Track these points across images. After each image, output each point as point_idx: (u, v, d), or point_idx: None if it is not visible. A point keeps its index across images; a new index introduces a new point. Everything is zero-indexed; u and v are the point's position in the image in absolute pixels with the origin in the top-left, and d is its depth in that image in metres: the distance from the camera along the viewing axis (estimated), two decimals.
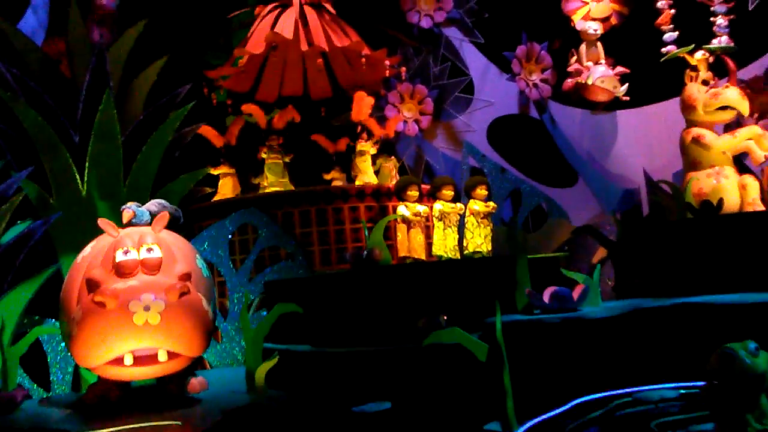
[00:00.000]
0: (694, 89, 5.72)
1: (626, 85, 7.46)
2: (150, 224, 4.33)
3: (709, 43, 6.31)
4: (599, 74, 7.42)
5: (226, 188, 6.67)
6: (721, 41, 6.46)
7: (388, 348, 4.11)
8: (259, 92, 7.44)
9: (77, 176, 5.69)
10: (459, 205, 5.26)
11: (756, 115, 6.42)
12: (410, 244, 5.16)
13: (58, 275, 5.22)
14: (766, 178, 5.63)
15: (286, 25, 6.82)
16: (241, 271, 5.80)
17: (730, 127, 6.09)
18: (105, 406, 4.04)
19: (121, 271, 3.99)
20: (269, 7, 7.12)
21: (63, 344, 5.07)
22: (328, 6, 7.12)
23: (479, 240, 5.20)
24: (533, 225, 7.10)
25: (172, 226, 4.36)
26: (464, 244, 5.23)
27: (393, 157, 7.04)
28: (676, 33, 6.64)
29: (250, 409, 3.87)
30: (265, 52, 6.92)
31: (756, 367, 2.64)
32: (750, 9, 7.07)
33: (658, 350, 3.85)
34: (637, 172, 7.25)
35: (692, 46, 6.06)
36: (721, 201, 4.89)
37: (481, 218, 5.22)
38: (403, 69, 7.43)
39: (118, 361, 3.84)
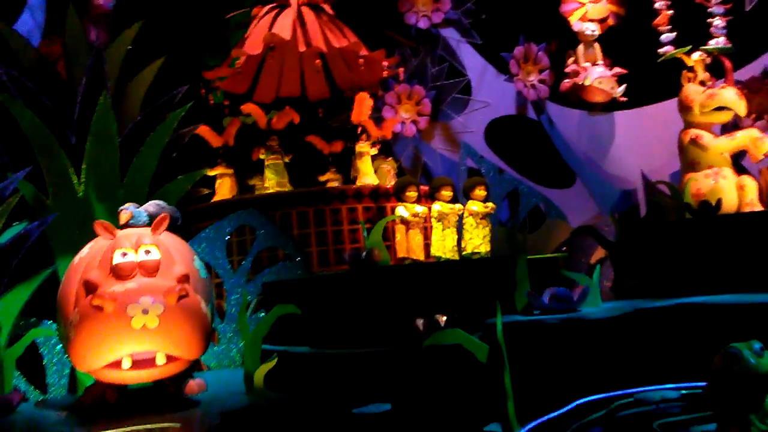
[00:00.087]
0: (691, 90, 5.73)
1: (624, 86, 7.47)
2: (148, 225, 4.32)
3: (706, 44, 6.33)
4: (597, 75, 7.43)
5: (224, 189, 6.65)
6: (719, 42, 6.48)
7: (388, 349, 4.10)
8: (256, 93, 7.42)
9: (74, 177, 5.65)
10: (458, 205, 5.25)
11: (753, 116, 6.44)
12: (409, 245, 5.15)
13: (54, 277, 5.20)
14: (764, 179, 5.65)
15: (284, 26, 6.81)
16: (238, 273, 5.78)
17: (726, 127, 6.11)
18: (102, 409, 4.02)
19: (118, 273, 3.97)
20: (267, 8, 7.10)
21: (59, 346, 5.04)
22: (326, 7, 7.11)
23: (478, 241, 5.19)
24: (531, 226, 7.09)
25: (170, 227, 4.34)
26: (463, 245, 5.22)
27: (390, 158, 7.03)
28: (674, 34, 6.65)
29: (249, 411, 3.85)
30: (263, 53, 6.91)
31: (760, 367, 2.63)
32: (747, 10, 7.08)
33: (658, 351, 3.85)
34: (635, 173, 7.26)
35: (689, 47, 6.07)
36: (719, 201, 4.90)
37: (480, 219, 5.21)
38: (401, 70, 7.42)
39: (116, 364, 3.81)
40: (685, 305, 3.90)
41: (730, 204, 5.38)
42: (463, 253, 5.21)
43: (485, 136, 7.70)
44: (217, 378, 4.82)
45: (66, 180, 5.63)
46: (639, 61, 7.29)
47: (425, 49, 7.81)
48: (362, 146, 6.50)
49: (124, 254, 4.03)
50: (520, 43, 7.74)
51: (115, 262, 4.00)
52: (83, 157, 5.66)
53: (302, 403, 4.05)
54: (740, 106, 5.62)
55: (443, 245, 5.14)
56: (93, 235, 4.34)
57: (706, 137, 5.63)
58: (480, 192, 5.23)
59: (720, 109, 5.61)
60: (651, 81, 7.22)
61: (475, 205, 5.23)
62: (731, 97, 5.58)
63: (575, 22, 7.65)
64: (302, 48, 6.80)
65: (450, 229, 5.17)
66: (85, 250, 4.28)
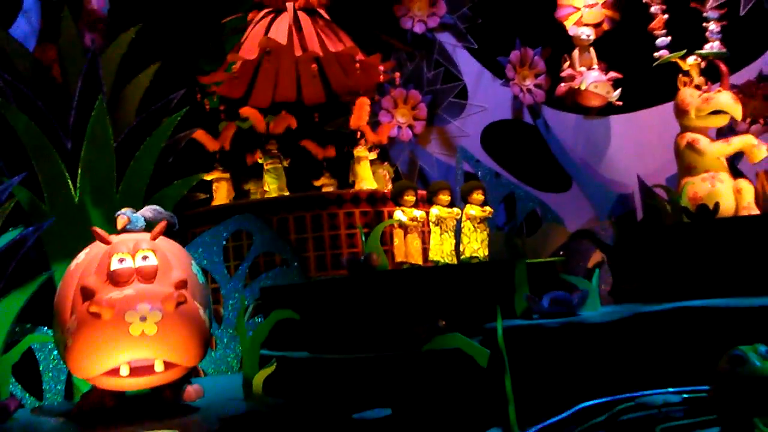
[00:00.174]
0: (687, 94, 5.75)
1: (619, 90, 7.49)
2: (145, 230, 4.29)
3: (701, 48, 6.35)
4: (592, 79, 7.45)
5: (221, 193, 6.63)
6: (713, 47, 6.52)
7: (387, 354, 4.08)
8: (252, 98, 7.41)
9: (70, 182, 5.64)
10: (455, 210, 5.25)
11: (748, 120, 6.47)
12: (407, 250, 5.14)
13: (50, 282, 5.17)
14: (760, 183, 5.67)
15: (280, 31, 6.80)
16: (235, 278, 5.77)
17: (722, 131, 6.13)
18: (100, 415, 3.99)
19: (116, 279, 3.94)
20: (263, 12, 7.10)
21: (56, 352, 5.01)
22: (322, 11, 7.11)
23: (476, 245, 5.19)
24: (527, 230, 7.10)
25: (167, 232, 4.32)
26: (461, 249, 5.22)
27: (386, 163, 7.03)
28: (669, 38, 6.68)
29: (248, 417, 3.83)
30: (259, 57, 6.90)
31: (766, 370, 2.62)
32: (741, 14, 7.12)
33: (658, 354, 3.84)
34: (631, 177, 7.27)
35: (684, 51, 6.09)
36: (717, 205, 4.91)
37: (478, 223, 5.21)
38: (397, 74, 7.42)
39: (114, 371, 3.79)
40: (684, 309, 3.90)
41: (727, 208, 5.39)
42: (461, 257, 5.21)
43: (481, 140, 7.71)
44: (215, 384, 4.79)
45: (62, 185, 5.61)
46: (634, 65, 7.31)
47: (421, 54, 7.81)
48: (361, 151, 6.50)
49: (122, 260, 4.00)
50: (516, 47, 7.75)
51: (112, 268, 3.98)
52: (79, 162, 5.65)
53: (301, 408, 4.03)
54: (736, 110, 5.64)
55: (441, 249, 5.13)
56: (89, 241, 4.32)
57: (703, 141, 5.64)
58: (478, 196, 5.23)
59: (716, 113, 5.62)
60: (646, 85, 7.25)
61: (473, 209, 5.23)
62: (727, 101, 5.59)
63: (570, 27, 7.67)
64: (298, 52, 6.79)
65: (448, 233, 5.16)
66: (81, 256, 4.26)
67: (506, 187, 7.14)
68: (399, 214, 5.20)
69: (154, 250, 4.10)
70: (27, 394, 5.15)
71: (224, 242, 5.88)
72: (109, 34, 6.45)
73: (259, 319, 5.31)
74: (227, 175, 6.70)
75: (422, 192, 5.85)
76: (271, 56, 7.02)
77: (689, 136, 5.71)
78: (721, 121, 5.74)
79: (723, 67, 5.87)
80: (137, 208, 4.48)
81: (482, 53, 7.84)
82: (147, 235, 4.22)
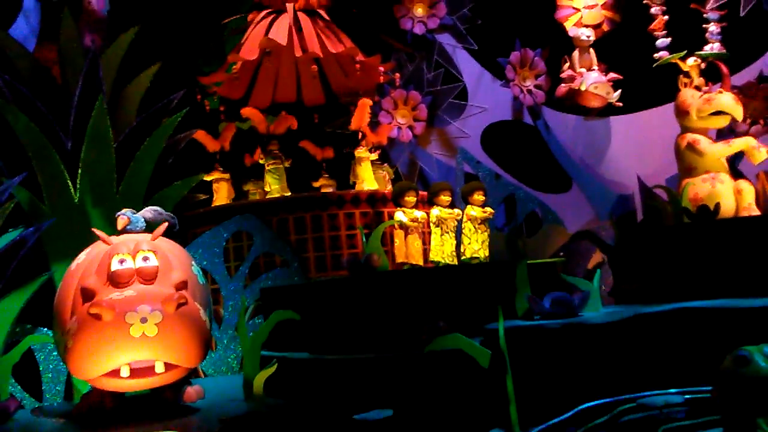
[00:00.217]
0: (688, 95, 5.75)
1: (619, 91, 7.49)
2: (145, 231, 4.29)
3: (701, 49, 6.35)
4: (592, 80, 7.44)
5: (221, 194, 6.62)
6: (713, 48, 6.51)
7: (388, 355, 4.08)
8: (252, 99, 7.40)
9: (69, 183, 5.64)
10: (456, 210, 5.24)
11: (748, 121, 6.46)
12: (408, 250, 5.13)
13: (50, 283, 5.17)
14: (761, 184, 5.67)
15: (280, 31, 6.79)
16: (236, 278, 5.76)
17: (722, 132, 6.13)
18: (100, 416, 3.99)
19: (116, 280, 3.94)
20: (263, 13, 7.09)
21: (55, 353, 5.00)
22: (322, 12, 7.10)
23: (476, 246, 5.18)
24: (527, 231, 7.10)
25: (167, 233, 4.32)
26: (461, 250, 5.21)
27: (386, 165, 7.02)
28: (669, 39, 6.67)
29: (249, 418, 3.82)
30: (259, 58, 6.89)
31: None
32: (741, 15, 7.12)
33: (660, 355, 3.84)
34: (631, 178, 7.27)
35: (684, 52, 6.09)
36: (717, 206, 4.91)
37: (479, 224, 5.21)
38: (397, 75, 7.41)
39: (115, 373, 3.78)
40: (685, 309, 3.90)
41: (727, 208, 5.39)
42: (462, 258, 5.20)
43: (481, 141, 7.71)
44: (215, 384, 4.79)
45: (62, 185, 5.61)
46: (634, 66, 7.31)
47: (421, 55, 7.81)
48: (362, 152, 6.49)
49: (122, 261, 4.00)
50: (516, 48, 7.75)
51: (113, 268, 3.97)
52: (79, 163, 5.64)
53: (302, 409, 4.02)
54: (738, 111, 5.64)
55: (442, 250, 5.13)
56: (89, 241, 4.31)
57: (703, 142, 5.64)
58: (479, 197, 5.22)
59: (717, 113, 5.62)
60: (646, 86, 7.25)
61: (473, 210, 5.22)
62: (728, 102, 5.59)
63: (570, 28, 7.66)
64: (298, 53, 6.78)
65: (449, 234, 5.15)
66: (82, 256, 4.25)
67: (506, 188, 7.13)
68: (400, 215, 5.19)
69: (155, 251, 4.10)
70: (27, 395, 5.13)
71: (224, 243, 5.87)
72: (109, 35, 6.45)
73: (259, 320, 5.31)
74: (227, 176, 6.69)
75: (423, 193, 5.84)
76: (271, 57, 7.02)
77: (690, 136, 5.71)
78: (722, 122, 5.75)
79: (724, 69, 5.87)
80: (137, 208, 4.47)
81: (482, 54, 7.83)
82: (147, 236, 4.22)
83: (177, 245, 4.43)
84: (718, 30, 6.56)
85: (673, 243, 4.66)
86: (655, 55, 6.72)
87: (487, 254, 5.19)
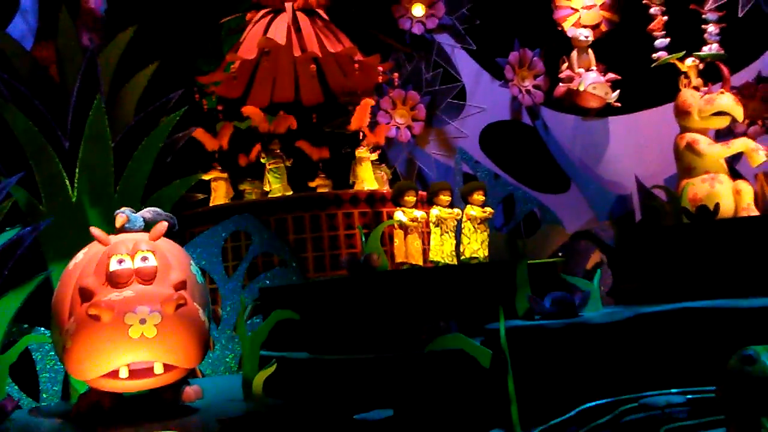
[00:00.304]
0: (689, 95, 5.75)
1: (617, 91, 7.49)
2: (144, 230, 4.26)
3: (699, 50, 6.36)
4: (591, 81, 7.45)
5: (219, 193, 6.60)
6: (712, 48, 6.52)
7: (388, 355, 4.06)
8: (250, 98, 7.38)
9: (67, 182, 5.61)
10: (456, 210, 5.23)
11: (747, 121, 6.47)
12: (407, 250, 5.12)
13: (47, 282, 5.14)
14: (759, 184, 5.67)
15: (279, 31, 6.78)
16: (234, 278, 5.74)
17: (720, 132, 6.14)
18: (98, 416, 3.97)
19: (115, 280, 3.92)
20: (261, 12, 7.07)
21: (53, 353, 4.98)
22: (321, 12, 7.09)
23: (476, 245, 5.18)
24: (526, 231, 7.09)
25: (166, 233, 4.30)
26: (461, 250, 5.20)
27: (384, 165, 7.01)
28: (668, 40, 6.68)
29: (248, 418, 3.81)
30: (257, 57, 6.88)
31: None
32: (740, 15, 7.13)
33: (661, 355, 3.83)
34: (629, 178, 7.27)
35: (683, 52, 6.09)
36: (717, 206, 4.91)
37: (478, 224, 5.20)
38: (396, 75, 7.40)
39: (114, 374, 3.76)
40: (685, 310, 3.89)
41: (726, 209, 5.40)
42: (461, 257, 5.19)
43: (480, 141, 7.70)
44: (213, 384, 4.77)
45: (59, 185, 5.59)
46: (632, 66, 7.31)
47: (419, 55, 7.79)
48: (363, 152, 6.48)
49: (121, 261, 3.98)
50: (515, 48, 7.75)
51: (111, 269, 3.95)
52: (77, 162, 5.62)
53: (302, 409, 4.01)
54: (739, 112, 5.66)
55: (441, 250, 5.12)
56: (87, 241, 4.29)
57: (702, 143, 5.65)
58: (478, 197, 5.22)
59: (718, 114, 5.63)
60: (645, 86, 7.25)
61: (473, 210, 5.21)
62: (729, 103, 5.61)
63: (569, 28, 7.66)
64: (297, 53, 6.77)
65: (448, 234, 5.15)
66: (80, 256, 4.23)
67: (505, 188, 7.13)
68: (399, 215, 5.19)
69: (154, 251, 4.07)
70: (24, 395, 5.11)
71: (222, 242, 5.85)
72: (106, 34, 6.43)
73: (258, 320, 5.29)
74: (225, 175, 6.67)
75: (422, 193, 5.83)
76: (269, 56, 7.00)
77: (689, 137, 5.72)
78: (723, 123, 5.76)
79: (724, 69, 5.88)
80: (135, 208, 4.46)
81: (481, 54, 7.82)
82: (146, 236, 4.20)
83: (176, 245, 4.41)
84: (717, 31, 6.57)
85: (672, 243, 4.66)
86: (654, 55, 6.73)
87: (486, 254, 5.19)
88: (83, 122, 5.62)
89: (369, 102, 6.66)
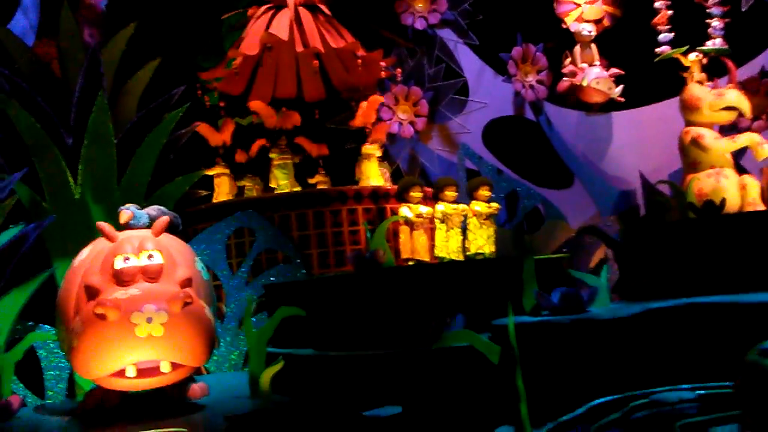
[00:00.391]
0: (697, 89, 5.73)
1: (621, 86, 7.47)
2: (148, 227, 4.24)
3: (703, 44, 6.34)
4: (594, 76, 7.43)
5: (223, 189, 6.58)
6: (715, 43, 6.49)
7: (396, 351, 4.05)
8: (252, 94, 7.36)
9: (70, 179, 5.59)
10: (462, 206, 5.21)
11: (751, 116, 6.45)
12: (413, 246, 5.10)
13: (51, 280, 5.12)
14: (765, 179, 5.66)
15: (281, 26, 6.75)
16: (238, 275, 5.72)
17: (724, 127, 6.12)
18: (104, 414, 3.95)
19: (120, 278, 3.89)
20: (263, 8, 7.04)
21: (58, 350, 4.96)
22: (323, 7, 7.06)
23: (481, 241, 5.15)
24: (529, 227, 7.08)
25: (171, 232, 4.28)
26: (466, 246, 5.18)
27: (385, 162, 6.99)
28: (672, 34, 6.66)
29: (255, 415, 3.79)
30: (260, 53, 6.85)
31: None
32: (743, 10, 7.11)
33: (671, 351, 3.83)
34: (633, 173, 7.24)
35: (686, 47, 6.08)
36: (723, 201, 4.90)
37: (484, 219, 5.18)
38: (399, 70, 7.38)
39: (121, 373, 3.75)
40: (695, 305, 3.88)
41: (732, 204, 5.39)
42: (467, 253, 5.17)
43: (483, 137, 7.68)
44: (219, 381, 4.75)
45: (62, 182, 5.56)
46: (636, 61, 7.29)
47: (422, 50, 7.77)
48: (369, 148, 6.45)
49: (126, 258, 3.96)
50: (518, 43, 7.72)
51: (117, 266, 3.93)
52: (80, 159, 5.59)
53: (310, 406, 3.99)
54: (747, 107, 5.65)
55: (447, 246, 5.10)
56: (90, 238, 4.27)
57: (708, 137, 5.64)
58: (484, 192, 5.20)
59: (727, 108, 5.62)
60: (648, 81, 7.23)
61: (479, 206, 5.19)
62: (738, 98, 5.61)
63: (572, 23, 7.64)
64: (299, 48, 6.74)
65: (454, 229, 5.13)
66: (85, 253, 4.20)
67: (508, 183, 7.11)
68: (405, 211, 5.16)
69: (159, 248, 4.05)
70: (29, 393, 5.09)
71: (226, 239, 5.83)
72: (107, 29, 6.39)
73: (262, 317, 5.28)
74: (229, 171, 6.65)
75: (428, 189, 5.81)
76: (271, 52, 6.97)
77: (694, 131, 5.71)
78: (731, 117, 5.75)
79: (730, 64, 5.86)
80: (139, 205, 4.43)
81: (483, 49, 7.80)
82: (151, 233, 4.17)
83: (181, 241, 4.39)
84: (722, 25, 6.54)
85: (679, 238, 4.66)
86: (657, 50, 6.71)
87: (492, 250, 5.17)
88: (86, 119, 5.59)
89: (378, 99, 6.63)
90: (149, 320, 3.71)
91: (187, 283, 4.01)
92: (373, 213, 6.17)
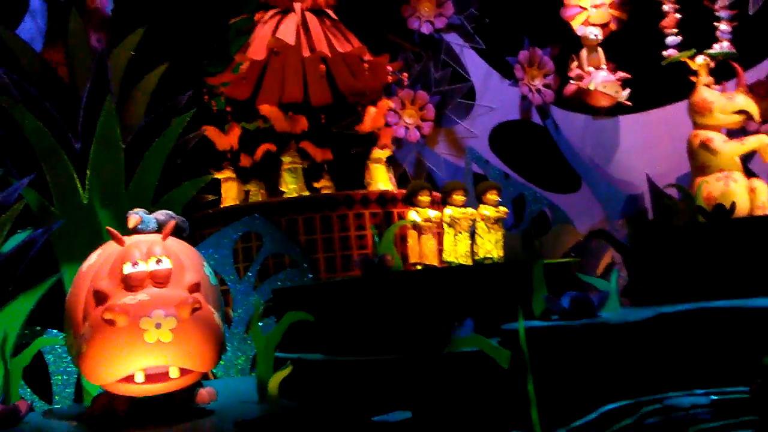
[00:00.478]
0: (707, 92, 5.72)
1: (628, 90, 7.46)
2: (157, 232, 4.24)
3: (709, 47, 6.33)
4: (601, 79, 7.43)
5: (230, 194, 6.58)
6: (723, 47, 6.49)
7: (406, 356, 4.03)
8: (258, 99, 7.35)
9: (78, 184, 5.60)
10: (470, 210, 5.18)
11: (760, 120, 6.43)
12: (421, 251, 5.08)
13: (59, 284, 5.13)
14: None
15: (288, 31, 6.75)
16: (245, 280, 5.72)
17: (731, 131, 6.10)
18: (112, 419, 3.94)
19: (129, 283, 3.89)
20: (270, 12, 7.04)
21: (66, 355, 4.96)
22: (330, 12, 7.06)
23: (489, 246, 5.13)
24: (536, 231, 7.06)
25: (178, 237, 4.27)
26: (474, 250, 5.16)
27: (390, 166, 6.98)
28: (680, 38, 6.65)
29: (265, 420, 3.78)
30: (267, 58, 6.85)
31: None
32: (750, 13, 7.10)
33: (684, 356, 3.79)
34: (641, 177, 7.24)
35: (693, 51, 6.07)
36: (733, 205, 4.88)
37: (492, 223, 5.15)
38: (405, 75, 7.37)
39: (129, 378, 3.74)
40: (706, 310, 3.85)
41: (741, 207, 5.37)
42: (475, 258, 5.15)
43: (490, 141, 7.67)
44: (226, 386, 4.74)
45: (70, 186, 5.58)
46: (642, 64, 7.29)
47: (428, 54, 7.77)
48: (381, 153, 6.45)
49: (135, 263, 3.94)
50: (524, 47, 7.72)
51: (125, 271, 3.92)
52: (87, 163, 5.61)
53: (319, 411, 3.98)
54: (756, 111, 5.64)
55: (455, 250, 5.08)
56: (98, 242, 4.26)
57: (717, 140, 5.63)
58: (492, 196, 5.18)
59: (738, 112, 5.61)
60: (655, 85, 7.22)
61: (486, 210, 5.17)
62: (748, 101, 5.60)
63: (578, 27, 7.64)
64: (306, 53, 6.74)
65: (463, 234, 5.10)
66: (93, 258, 4.20)
67: (515, 187, 7.10)
68: (413, 215, 5.15)
69: (168, 253, 4.04)
70: (36, 398, 5.09)
71: (233, 244, 5.83)
72: (113, 35, 6.41)
73: (270, 321, 5.27)
74: (236, 175, 6.65)
75: (436, 194, 5.80)
76: (278, 57, 6.97)
77: (702, 135, 5.69)
78: (740, 121, 5.73)
79: (738, 68, 5.85)
80: (146, 209, 4.43)
81: (490, 53, 7.80)
82: (159, 237, 4.17)
83: (189, 246, 4.38)
84: (729, 29, 6.54)
85: (688, 242, 4.64)
86: (665, 53, 6.69)
87: (501, 254, 5.14)
88: (94, 124, 5.61)
89: (387, 104, 6.63)
90: (158, 326, 3.69)
91: (195, 288, 3.99)
92: (380, 217, 6.15)
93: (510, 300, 3.96)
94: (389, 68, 7.06)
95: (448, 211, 5.13)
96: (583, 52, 7.61)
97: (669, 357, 3.80)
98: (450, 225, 5.11)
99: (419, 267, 5.10)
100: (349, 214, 6.15)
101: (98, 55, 5.85)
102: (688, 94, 5.99)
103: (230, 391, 4.58)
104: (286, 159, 6.42)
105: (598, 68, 7.54)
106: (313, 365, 4.44)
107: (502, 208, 5.26)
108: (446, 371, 3.83)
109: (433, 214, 5.18)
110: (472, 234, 5.16)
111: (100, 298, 3.87)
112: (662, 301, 4.32)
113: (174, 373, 3.78)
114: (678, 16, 6.69)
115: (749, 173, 5.91)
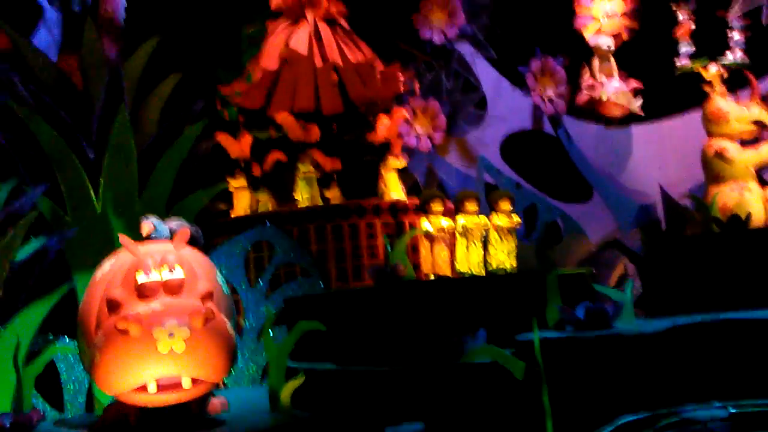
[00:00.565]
0: (722, 102, 5.69)
1: (640, 99, 7.44)
2: (169, 240, 4.24)
3: (723, 56, 6.31)
4: (613, 89, 7.41)
5: (242, 203, 6.59)
6: (736, 56, 6.46)
7: (416, 366, 4.01)
8: (271, 108, 7.37)
9: (92, 192, 5.63)
10: (483, 219, 5.16)
11: None
12: (434, 260, 5.06)
13: (72, 293, 5.14)
14: None
15: (301, 41, 6.78)
16: (256, 289, 5.71)
17: (743, 141, 6.07)
18: (124, 428, 3.93)
19: (142, 292, 3.88)
20: (282, 22, 7.07)
21: (78, 364, 4.95)
22: (342, 21, 7.09)
23: (502, 256, 5.10)
24: (548, 241, 7.03)
25: (192, 245, 4.27)
26: (487, 260, 5.13)
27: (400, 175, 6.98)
28: (693, 48, 6.63)
29: (277, 430, 3.76)
30: (279, 67, 6.88)
31: None
32: (764, 23, 7.07)
33: (701, 368, 3.76)
34: (653, 187, 7.20)
35: (706, 60, 6.05)
36: (749, 215, 4.84)
37: (505, 233, 5.13)
38: (417, 84, 7.38)
39: (142, 388, 3.72)
40: (724, 321, 3.82)
41: (756, 217, 5.33)
42: (489, 268, 5.12)
43: (501, 150, 7.67)
44: (238, 396, 4.72)
45: (84, 195, 5.60)
46: (655, 74, 7.27)
47: (440, 64, 7.78)
48: (396, 162, 6.45)
49: (148, 272, 3.94)
50: (536, 56, 7.71)
51: (139, 280, 3.92)
52: (101, 172, 5.63)
53: (331, 421, 3.96)
54: None
55: (468, 260, 5.05)
56: (110, 251, 4.27)
57: (731, 150, 5.60)
58: (505, 205, 5.15)
59: (755, 122, 5.59)
60: (667, 94, 7.20)
61: (500, 219, 5.15)
62: (764, 112, 5.57)
63: (590, 37, 7.63)
64: (319, 63, 6.76)
65: (475, 243, 5.08)
66: (106, 266, 4.19)
67: (527, 197, 7.08)
68: (426, 224, 5.13)
69: (181, 262, 4.04)
70: (48, 407, 5.09)
71: (245, 253, 5.82)
72: (126, 42, 6.45)
73: (281, 330, 5.25)
74: (247, 184, 6.66)
75: (450, 204, 5.78)
76: (290, 66, 7.00)
77: (717, 144, 5.66)
78: (756, 131, 5.70)
79: (752, 77, 5.83)
80: (160, 218, 4.43)
81: (502, 63, 7.80)
82: (172, 245, 4.17)
83: (202, 255, 4.37)
84: (743, 38, 6.51)
85: (703, 253, 4.61)
86: (678, 63, 6.67)
87: (514, 264, 5.11)
88: (108, 133, 5.64)
89: (401, 113, 6.63)
90: (171, 335, 3.68)
91: (208, 297, 3.98)
92: (391, 227, 6.14)
93: (523, 310, 3.94)
94: (402, 78, 7.07)
95: (461, 220, 5.11)
96: (595, 62, 7.59)
97: (685, 369, 3.76)
98: (462, 234, 5.09)
99: (432, 276, 5.08)
100: (360, 224, 6.15)
101: (112, 64, 5.88)
102: (700, 103, 5.97)
103: (242, 400, 4.56)
104: (302, 168, 6.42)
105: (610, 78, 7.52)
106: (325, 375, 4.43)
107: (516, 218, 5.23)
108: (459, 382, 3.80)
109: (445, 223, 5.16)
110: (485, 243, 5.14)
111: (113, 306, 3.86)
112: (677, 312, 4.29)
113: (186, 383, 3.76)
114: (693, 26, 6.67)
115: (763, 183, 5.87)
